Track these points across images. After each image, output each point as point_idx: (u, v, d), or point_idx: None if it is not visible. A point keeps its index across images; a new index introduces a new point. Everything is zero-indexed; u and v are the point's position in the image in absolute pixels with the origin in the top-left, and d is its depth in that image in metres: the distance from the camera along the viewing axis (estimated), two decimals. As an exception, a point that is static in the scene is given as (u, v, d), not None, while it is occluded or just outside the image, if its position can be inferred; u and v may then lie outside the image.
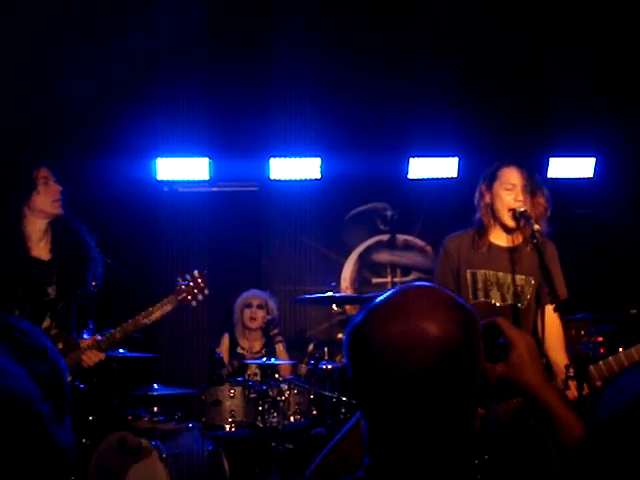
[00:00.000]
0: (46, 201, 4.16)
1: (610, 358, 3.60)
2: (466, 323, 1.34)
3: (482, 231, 4.07)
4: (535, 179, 4.04)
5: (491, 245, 4.04)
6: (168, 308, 4.31)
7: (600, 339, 5.94)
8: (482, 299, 3.97)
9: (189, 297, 4.42)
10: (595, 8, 6.17)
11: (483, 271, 4.00)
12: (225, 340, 6.25)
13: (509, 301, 3.96)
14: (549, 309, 3.94)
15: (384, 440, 1.35)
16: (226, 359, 6.05)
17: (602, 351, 5.96)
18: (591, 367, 3.64)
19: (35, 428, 0.96)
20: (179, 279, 4.46)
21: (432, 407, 1.31)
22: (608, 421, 1.04)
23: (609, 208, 7.28)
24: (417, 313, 1.32)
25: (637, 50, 6.41)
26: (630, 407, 1.02)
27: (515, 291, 3.95)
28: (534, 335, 3.90)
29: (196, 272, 4.49)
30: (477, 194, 4.11)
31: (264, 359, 5.64)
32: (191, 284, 4.43)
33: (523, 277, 3.97)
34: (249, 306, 6.23)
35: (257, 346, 6.23)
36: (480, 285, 3.99)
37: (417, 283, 1.45)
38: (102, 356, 4.20)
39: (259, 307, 6.23)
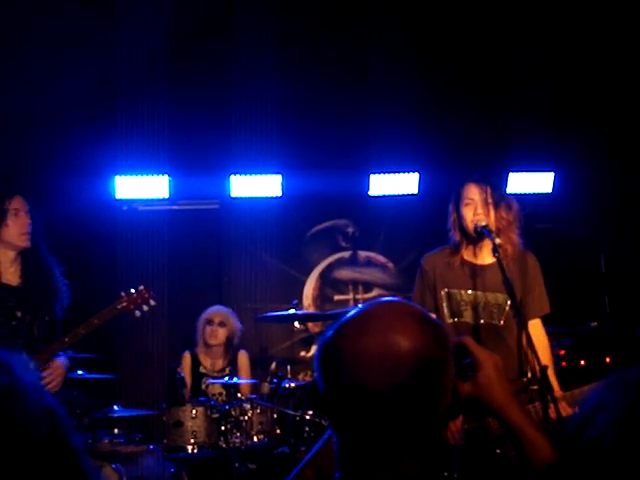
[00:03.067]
0: (14, 234, 4.19)
1: (586, 387, 3.63)
2: (436, 337, 1.35)
3: (455, 249, 4.08)
4: (498, 193, 4.06)
5: (464, 263, 4.04)
6: (107, 317, 4.39)
7: (562, 352, 5.99)
8: (458, 319, 3.97)
9: (132, 306, 4.54)
10: (555, 25, 6.25)
11: (457, 290, 4.00)
12: (186, 359, 6.15)
13: (484, 320, 3.95)
14: (533, 325, 3.93)
15: (355, 455, 1.34)
16: (188, 378, 5.96)
17: (564, 364, 6.01)
18: (566, 394, 3.66)
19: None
20: (122, 292, 4.59)
21: (403, 421, 1.31)
22: (587, 445, 1.03)
23: (568, 223, 7.36)
24: (388, 327, 1.32)
25: (596, 66, 6.51)
26: (609, 429, 1.02)
27: (490, 309, 3.95)
28: (519, 352, 3.90)
29: (142, 286, 4.64)
30: (448, 215, 4.15)
31: (226, 378, 5.58)
32: (134, 295, 4.56)
33: (497, 295, 3.97)
34: (210, 322, 6.15)
35: (219, 364, 6.14)
36: (455, 305, 3.99)
37: (387, 298, 1.45)
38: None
39: (220, 324, 6.14)
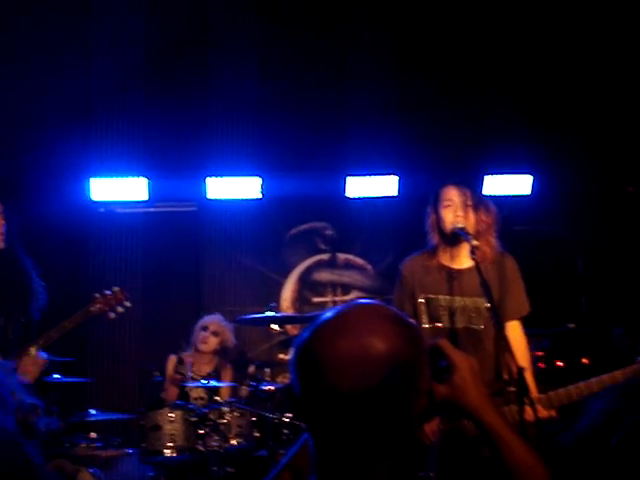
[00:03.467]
0: None
1: (561, 390, 3.64)
2: (411, 339, 1.37)
3: (433, 253, 4.06)
4: (477, 195, 4.06)
5: (442, 267, 4.02)
6: (80, 319, 4.41)
7: (539, 354, 6.01)
8: (437, 324, 3.94)
9: (106, 308, 4.55)
10: (533, 27, 6.27)
11: (435, 295, 3.97)
12: (171, 361, 6.13)
13: (463, 324, 3.93)
14: (511, 326, 3.93)
15: (330, 457, 1.35)
16: (172, 381, 5.91)
17: (541, 366, 6.04)
18: (542, 396, 3.66)
19: None
20: (97, 294, 4.60)
21: (378, 423, 1.32)
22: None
23: (545, 225, 7.40)
24: (363, 329, 1.34)
25: (574, 69, 6.54)
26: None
27: (468, 313, 3.94)
28: (497, 355, 3.90)
29: (116, 288, 4.65)
30: (427, 219, 4.13)
31: (204, 381, 5.55)
32: (109, 296, 4.58)
33: (475, 299, 3.95)
34: (205, 329, 6.14)
35: (204, 370, 6.10)
36: (433, 310, 3.97)
37: (363, 300, 1.46)
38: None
39: (214, 333, 6.13)
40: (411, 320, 1.43)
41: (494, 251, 3.97)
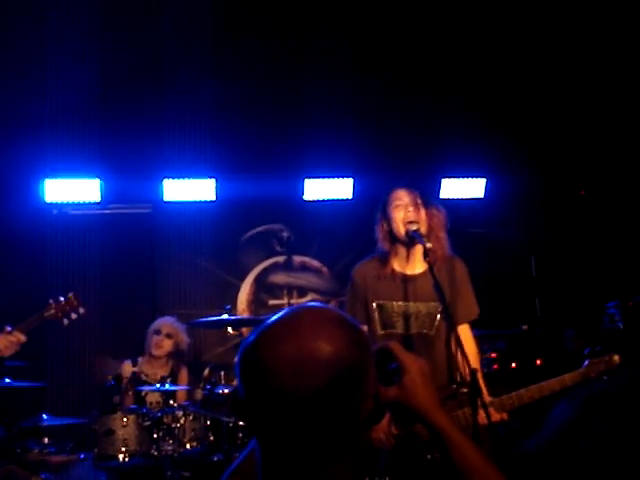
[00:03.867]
0: None
1: (513, 393, 3.68)
2: (357, 341, 1.37)
3: (384, 260, 4.06)
4: (426, 196, 4.07)
5: (394, 273, 4.02)
6: (33, 324, 4.42)
7: (494, 355, 6.06)
8: (390, 330, 3.94)
9: (60, 314, 4.57)
10: (488, 33, 6.34)
11: (388, 302, 3.97)
12: (127, 368, 6.05)
13: (416, 329, 3.93)
14: (462, 330, 3.94)
15: (276, 462, 1.35)
16: (129, 387, 5.84)
17: (496, 367, 6.09)
18: (495, 399, 3.70)
19: None
20: (51, 300, 4.59)
21: (324, 426, 1.32)
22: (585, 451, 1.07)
23: (499, 228, 7.47)
24: (309, 332, 1.33)
25: (525, 73, 6.62)
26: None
27: (421, 319, 3.94)
28: (449, 359, 3.92)
29: (71, 294, 4.67)
30: (377, 226, 4.12)
31: (158, 385, 5.50)
32: (63, 303, 4.58)
33: (429, 304, 3.96)
34: (158, 333, 6.08)
35: (160, 373, 6.04)
36: (386, 316, 3.96)
37: (309, 303, 1.48)
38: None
39: (167, 336, 6.08)
40: (358, 324, 1.43)
41: (445, 251, 3.98)
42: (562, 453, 1.14)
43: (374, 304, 3.98)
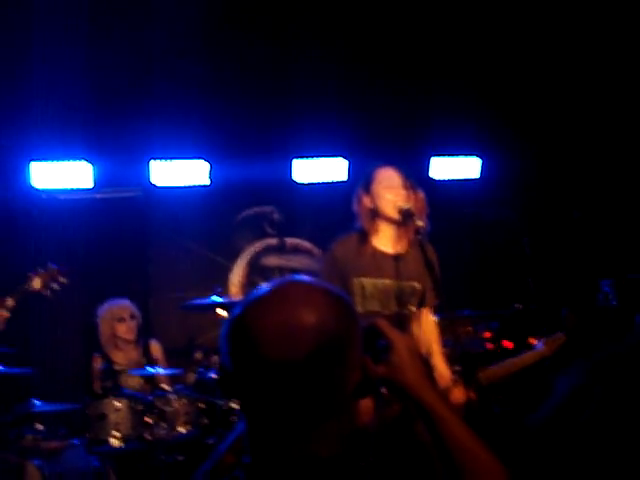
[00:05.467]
0: None
1: (496, 365, 3.72)
2: (343, 312, 1.39)
3: (364, 237, 4.01)
4: (410, 178, 4.04)
5: (375, 251, 3.99)
6: (15, 298, 4.45)
7: (487, 335, 6.06)
8: (369, 308, 3.90)
9: (41, 286, 4.59)
10: (478, 10, 6.29)
11: (369, 280, 3.94)
12: (97, 362, 5.85)
13: (394, 309, 3.92)
14: (426, 312, 3.95)
15: (263, 436, 1.37)
16: (98, 380, 5.75)
17: (489, 346, 6.08)
18: (480, 374, 3.71)
19: None
20: (31, 272, 4.62)
21: (311, 395, 1.34)
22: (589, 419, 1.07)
23: (492, 207, 7.44)
24: (294, 302, 1.36)
25: (518, 50, 6.58)
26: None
27: (401, 298, 3.91)
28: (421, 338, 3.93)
29: (50, 264, 4.69)
30: (355, 201, 4.07)
31: (151, 370, 5.45)
32: (43, 273, 4.59)
33: (409, 283, 3.94)
34: (121, 320, 5.87)
35: (134, 357, 5.91)
36: (367, 294, 3.93)
37: (294, 276, 1.48)
38: None
39: (131, 317, 5.91)
40: (345, 295, 1.44)
41: (425, 235, 3.95)
42: (566, 423, 1.13)
43: (355, 280, 3.93)
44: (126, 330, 5.87)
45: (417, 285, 3.92)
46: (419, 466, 3.42)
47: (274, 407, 1.35)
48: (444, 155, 7.18)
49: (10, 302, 4.35)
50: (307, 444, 1.35)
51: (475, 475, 1.40)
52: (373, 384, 1.46)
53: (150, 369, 5.48)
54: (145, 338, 6.04)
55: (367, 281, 3.93)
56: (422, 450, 3.41)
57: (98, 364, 5.85)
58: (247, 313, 1.38)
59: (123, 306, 5.96)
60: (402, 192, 3.91)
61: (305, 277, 1.47)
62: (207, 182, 6.91)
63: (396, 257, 3.96)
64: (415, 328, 3.89)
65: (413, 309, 3.93)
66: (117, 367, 5.83)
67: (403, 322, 3.89)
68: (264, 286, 1.43)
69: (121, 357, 5.89)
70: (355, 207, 4.08)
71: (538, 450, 1.43)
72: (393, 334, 1.50)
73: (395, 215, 3.92)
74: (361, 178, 4.12)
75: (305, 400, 1.34)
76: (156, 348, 6.00)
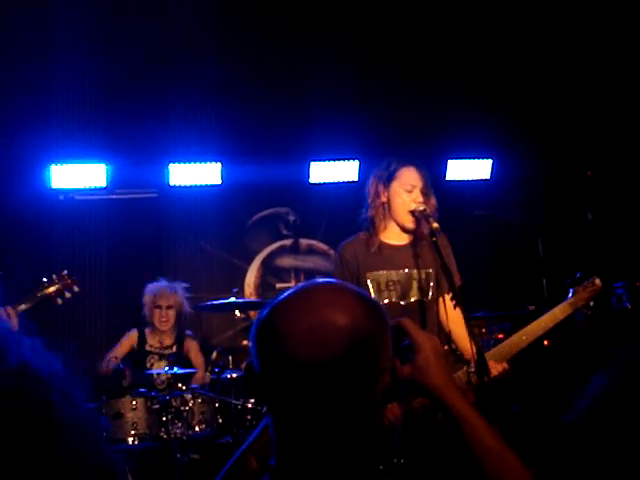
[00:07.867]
0: None
1: (503, 343, 3.73)
2: (374, 314, 1.37)
3: (373, 231, 4.03)
4: (429, 179, 4.06)
5: (382, 245, 4.00)
6: (27, 304, 4.35)
7: (501, 336, 6.05)
8: (386, 300, 3.92)
9: (53, 293, 4.53)
10: (491, 12, 6.29)
11: (382, 272, 3.95)
12: (132, 337, 6.07)
13: (414, 297, 3.92)
14: (448, 298, 3.93)
15: (291, 437, 1.34)
16: (120, 356, 5.88)
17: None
18: (490, 352, 3.72)
19: None
20: (44, 279, 4.56)
21: (340, 398, 1.31)
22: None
23: (506, 209, 7.45)
24: (324, 304, 1.33)
25: (531, 52, 6.57)
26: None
27: (420, 286, 3.93)
28: (438, 325, 3.94)
29: (65, 272, 4.63)
30: (371, 193, 4.08)
31: (166, 368, 5.50)
32: (56, 280, 4.55)
33: (424, 270, 3.95)
34: (159, 307, 6.06)
35: (167, 341, 6.07)
36: (383, 287, 3.94)
37: (321, 279, 1.46)
38: None
39: (168, 308, 6.07)
40: (374, 299, 1.44)
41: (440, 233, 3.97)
42: (599, 423, 1.13)
43: (368, 276, 3.94)
44: (160, 319, 6.02)
45: (431, 271, 3.93)
46: (448, 461, 3.40)
47: (303, 410, 1.32)
48: (458, 158, 7.19)
49: (22, 308, 4.35)
50: (335, 447, 1.32)
51: (500, 477, 1.40)
52: (401, 387, 1.43)
53: (166, 369, 5.52)
54: (182, 330, 6.16)
55: (380, 274, 3.95)
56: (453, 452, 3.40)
57: (132, 339, 6.01)
58: (275, 315, 1.36)
59: (165, 294, 6.12)
60: (419, 197, 3.93)
61: (330, 280, 1.46)
62: (221, 183, 6.95)
63: (406, 247, 3.99)
64: (441, 313, 3.90)
65: (430, 295, 3.93)
66: (148, 348, 5.96)
67: (424, 309, 3.92)
68: (290, 288, 1.41)
69: (155, 340, 6.03)
70: (369, 199, 4.09)
71: (571, 451, 1.43)
72: (418, 334, 1.49)
73: (408, 220, 3.94)
74: (382, 168, 4.10)
75: (334, 403, 1.31)
76: (193, 346, 6.11)
